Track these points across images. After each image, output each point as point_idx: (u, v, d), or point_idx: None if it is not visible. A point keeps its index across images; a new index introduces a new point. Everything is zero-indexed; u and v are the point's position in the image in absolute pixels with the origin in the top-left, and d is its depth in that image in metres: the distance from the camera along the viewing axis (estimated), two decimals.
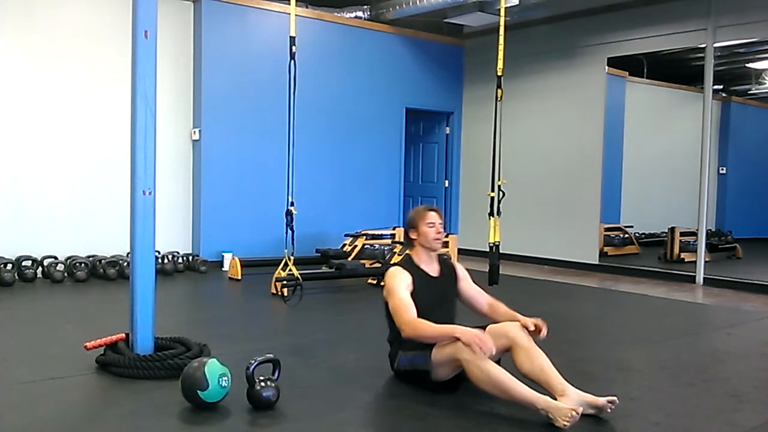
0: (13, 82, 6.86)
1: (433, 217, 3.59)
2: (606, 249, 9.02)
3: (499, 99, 5.79)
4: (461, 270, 3.77)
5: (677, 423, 3.11)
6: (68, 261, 6.88)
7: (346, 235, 7.68)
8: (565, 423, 2.85)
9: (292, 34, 5.50)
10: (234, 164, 8.05)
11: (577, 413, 2.86)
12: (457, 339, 3.11)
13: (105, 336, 3.80)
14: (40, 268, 6.81)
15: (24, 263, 6.62)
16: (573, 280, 7.97)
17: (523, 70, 9.17)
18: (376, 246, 7.33)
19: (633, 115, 9.55)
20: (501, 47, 5.76)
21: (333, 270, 6.91)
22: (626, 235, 9.47)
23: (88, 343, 3.71)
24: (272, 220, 7.36)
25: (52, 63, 7.06)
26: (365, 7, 9.13)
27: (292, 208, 5.61)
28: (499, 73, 5.78)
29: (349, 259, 7.13)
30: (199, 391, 3.01)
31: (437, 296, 3.54)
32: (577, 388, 3.08)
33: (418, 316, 3.31)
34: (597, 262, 8.75)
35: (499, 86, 5.78)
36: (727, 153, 10.08)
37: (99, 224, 7.28)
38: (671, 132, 10.20)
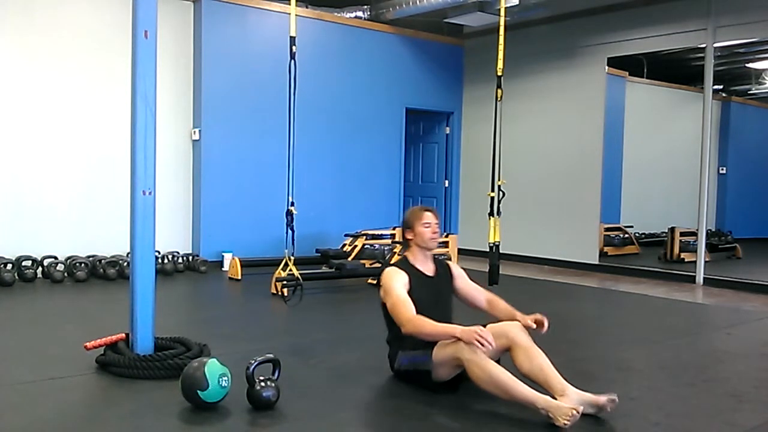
0: (13, 82, 6.86)
1: (428, 217, 3.63)
2: (606, 249, 9.02)
3: (499, 99, 5.79)
4: (456, 269, 3.80)
5: (677, 423, 3.11)
6: (68, 261, 6.88)
7: (346, 235, 7.68)
8: (566, 422, 2.85)
9: (293, 34, 5.50)
10: (234, 164, 8.05)
11: (578, 412, 2.87)
12: (457, 338, 3.11)
13: (105, 336, 3.80)
14: (40, 268, 6.81)
15: (24, 263, 6.62)
16: (573, 280, 7.97)
17: (523, 70, 9.17)
18: (376, 246, 7.33)
19: (633, 115, 9.55)
20: (501, 47, 5.77)
21: (333, 270, 6.91)
22: (626, 235, 9.47)
23: (88, 343, 3.71)
24: (272, 220, 7.36)
25: (52, 63, 7.06)
26: (365, 7, 9.12)
27: (292, 208, 5.61)
28: (499, 73, 5.78)
29: (349, 259, 7.13)
30: (199, 391, 3.01)
31: (433, 295, 3.56)
32: (577, 388, 3.08)
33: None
34: (597, 262, 8.75)
35: (499, 86, 5.78)
36: (727, 153, 10.08)
37: (99, 224, 7.28)
38: (671, 132, 10.19)
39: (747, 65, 9.85)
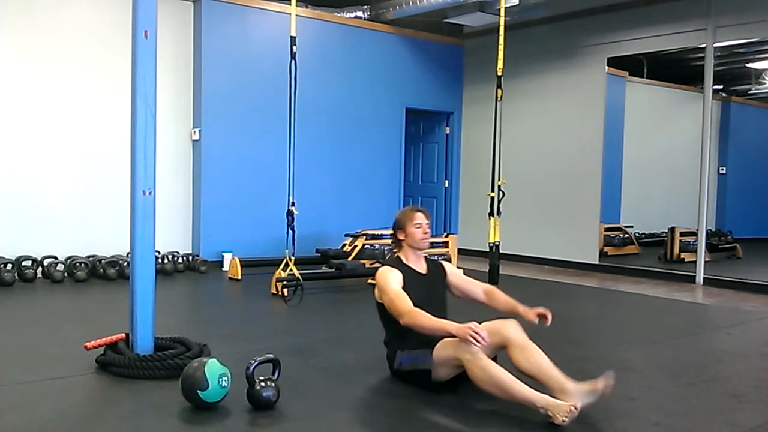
0: (13, 82, 6.86)
1: (419, 217, 3.67)
2: (606, 249, 9.02)
3: (499, 99, 5.81)
4: (449, 266, 3.88)
5: (677, 423, 3.11)
6: (68, 261, 6.88)
7: (346, 235, 7.68)
8: (564, 419, 2.85)
9: (293, 34, 5.50)
10: (234, 164, 8.05)
11: (576, 409, 2.87)
12: (452, 335, 3.12)
13: (105, 336, 3.80)
14: (40, 268, 6.81)
15: (24, 263, 6.62)
16: (573, 280, 7.97)
17: (523, 70, 9.17)
18: (376, 246, 7.33)
19: (633, 115, 9.54)
20: (501, 47, 5.78)
21: (333, 270, 6.90)
22: (626, 235, 9.47)
23: (88, 343, 3.71)
24: (272, 220, 7.36)
25: (52, 63, 7.06)
26: (365, 7, 9.12)
27: (293, 208, 5.61)
28: (499, 73, 5.80)
29: (349, 259, 7.13)
30: (199, 391, 3.02)
31: (427, 292, 3.59)
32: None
33: None
34: (597, 262, 8.75)
35: (499, 86, 5.80)
36: (727, 153, 10.07)
37: (99, 224, 7.28)
38: (671, 132, 10.19)
39: (747, 65, 9.84)
